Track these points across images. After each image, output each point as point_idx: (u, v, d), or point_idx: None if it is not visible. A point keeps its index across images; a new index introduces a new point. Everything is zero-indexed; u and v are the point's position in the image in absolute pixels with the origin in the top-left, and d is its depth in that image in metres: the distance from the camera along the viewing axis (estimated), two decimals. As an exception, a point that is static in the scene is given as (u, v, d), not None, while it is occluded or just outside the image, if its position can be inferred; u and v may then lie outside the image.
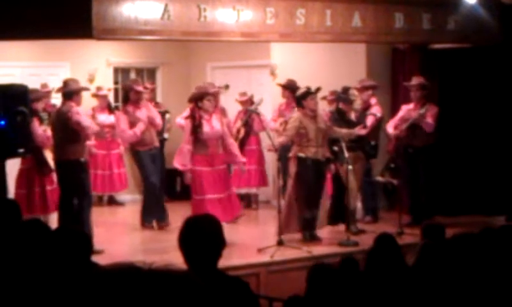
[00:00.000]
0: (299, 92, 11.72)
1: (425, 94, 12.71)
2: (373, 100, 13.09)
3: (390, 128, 12.79)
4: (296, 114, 11.58)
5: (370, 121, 12.80)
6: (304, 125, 11.27)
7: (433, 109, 12.63)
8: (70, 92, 10.99)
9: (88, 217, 10.79)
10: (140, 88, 12.70)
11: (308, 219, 11.35)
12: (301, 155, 11.26)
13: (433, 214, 12.05)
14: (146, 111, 12.47)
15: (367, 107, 12.98)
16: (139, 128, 12.21)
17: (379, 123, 13.01)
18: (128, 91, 12.61)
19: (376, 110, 12.97)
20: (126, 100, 12.63)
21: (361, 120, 12.31)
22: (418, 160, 12.61)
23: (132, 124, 12.24)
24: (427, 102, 12.67)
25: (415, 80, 12.79)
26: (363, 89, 13.04)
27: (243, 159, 11.76)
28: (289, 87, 13.81)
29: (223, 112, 14.32)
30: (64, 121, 10.79)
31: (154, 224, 12.44)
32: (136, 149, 12.44)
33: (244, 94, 14.59)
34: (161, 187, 12.79)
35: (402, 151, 12.73)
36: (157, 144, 12.66)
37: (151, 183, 12.48)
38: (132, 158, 13.00)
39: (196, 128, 10.89)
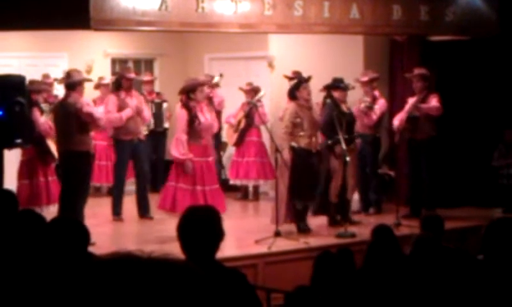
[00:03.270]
0: (291, 84, 11.72)
1: (426, 85, 12.67)
2: (376, 93, 13.09)
3: (396, 121, 12.75)
4: (291, 105, 11.56)
5: (373, 116, 12.83)
6: (300, 115, 11.28)
7: (435, 96, 12.58)
8: (73, 83, 10.95)
9: (81, 208, 10.79)
10: (131, 75, 12.74)
11: (299, 210, 11.37)
12: (294, 144, 11.26)
13: (434, 206, 12.04)
14: (136, 101, 12.48)
15: (372, 100, 12.98)
16: (126, 113, 12.19)
17: (380, 117, 13.03)
18: (120, 79, 12.63)
19: (382, 104, 12.99)
20: (118, 87, 12.62)
21: (352, 114, 12.27)
22: (420, 153, 12.59)
23: (121, 109, 12.24)
24: (429, 93, 12.64)
25: (417, 71, 12.77)
26: (369, 81, 13.00)
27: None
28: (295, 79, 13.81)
29: (220, 103, 14.35)
30: (73, 112, 10.72)
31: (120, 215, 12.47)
32: (118, 138, 12.44)
33: (249, 84, 14.57)
34: (145, 179, 12.70)
35: (405, 143, 12.72)
36: (141, 135, 12.59)
37: (118, 178, 12.56)
38: (113, 146, 12.96)
39: (193, 118, 10.85)
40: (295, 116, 11.30)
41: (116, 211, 12.38)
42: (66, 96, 11.02)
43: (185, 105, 10.96)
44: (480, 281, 5.11)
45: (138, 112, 12.37)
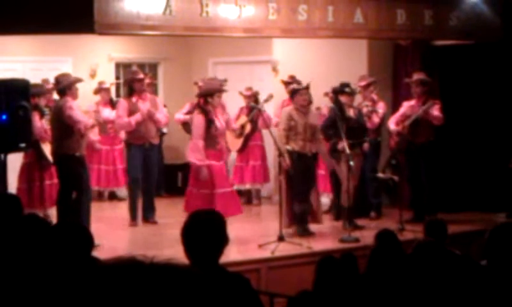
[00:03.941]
0: (290, 88, 11.88)
1: (426, 90, 12.68)
2: (374, 96, 13.13)
3: (392, 124, 12.79)
4: (287, 108, 11.70)
5: (375, 119, 12.85)
6: (295, 119, 11.35)
7: (437, 104, 12.61)
8: (63, 88, 11.02)
9: (87, 211, 10.81)
10: (141, 76, 12.67)
11: (298, 213, 11.38)
12: (288, 148, 11.30)
13: (436, 211, 12.03)
14: (149, 104, 12.41)
15: (372, 104, 13.00)
16: (135, 118, 12.12)
17: (382, 120, 13.04)
18: (132, 83, 12.52)
19: (382, 106, 13.03)
20: (131, 93, 12.53)
21: (360, 118, 12.29)
22: (419, 157, 12.60)
23: (132, 113, 12.19)
24: (428, 98, 12.65)
25: (416, 76, 12.78)
26: (367, 85, 13.04)
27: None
28: (291, 84, 13.79)
29: (223, 108, 14.32)
30: (59, 115, 10.86)
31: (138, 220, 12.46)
32: (129, 142, 12.42)
33: (249, 89, 14.55)
34: (152, 184, 12.70)
35: (404, 147, 12.72)
36: (154, 140, 12.50)
37: (130, 182, 12.59)
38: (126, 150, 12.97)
39: (210, 123, 10.87)
40: (289, 118, 11.37)
41: (133, 215, 12.40)
42: (59, 100, 11.15)
43: (203, 110, 10.95)
44: (483, 287, 5.11)
45: (150, 116, 12.32)
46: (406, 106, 12.79)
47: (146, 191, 12.54)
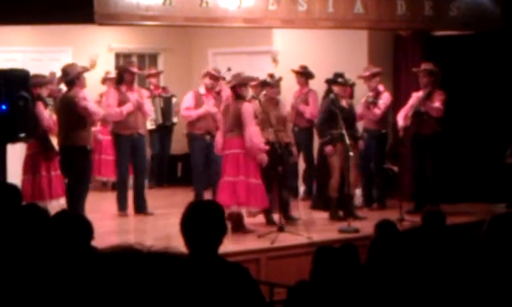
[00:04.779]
0: (262, 80, 12.35)
1: (433, 81, 12.65)
2: (381, 87, 13.07)
3: (400, 118, 12.74)
4: (260, 99, 11.81)
5: (376, 111, 12.83)
6: (267, 111, 11.46)
7: (441, 95, 12.60)
8: (72, 79, 11.07)
9: (83, 202, 10.85)
10: (135, 70, 12.64)
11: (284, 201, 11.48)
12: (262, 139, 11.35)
13: (437, 201, 12.02)
14: (137, 95, 12.40)
15: (376, 95, 12.97)
16: (127, 108, 12.11)
17: (384, 112, 13.02)
18: (123, 73, 12.51)
19: (386, 98, 12.97)
20: (120, 81, 12.52)
21: (351, 110, 12.27)
22: (425, 148, 12.58)
23: (121, 103, 12.15)
24: (435, 88, 12.62)
25: (424, 66, 12.76)
26: (371, 76, 12.99)
27: None
28: (302, 74, 13.74)
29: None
30: (71, 106, 10.89)
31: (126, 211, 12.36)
32: (117, 133, 12.33)
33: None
34: (143, 173, 12.60)
35: (406, 139, 12.71)
36: (141, 130, 12.43)
37: (120, 173, 12.48)
38: (112, 140, 12.88)
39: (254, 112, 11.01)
40: (262, 111, 11.45)
41: (121, 206, 12.32)
42: (67, 91, 11.19)
43: (244, 98, 10.99)
44: (482, 276, 5.11)
45: (139, 107, 12.31)
46: (414, 97, 12.75)
47: (136, 183, 12.46)
